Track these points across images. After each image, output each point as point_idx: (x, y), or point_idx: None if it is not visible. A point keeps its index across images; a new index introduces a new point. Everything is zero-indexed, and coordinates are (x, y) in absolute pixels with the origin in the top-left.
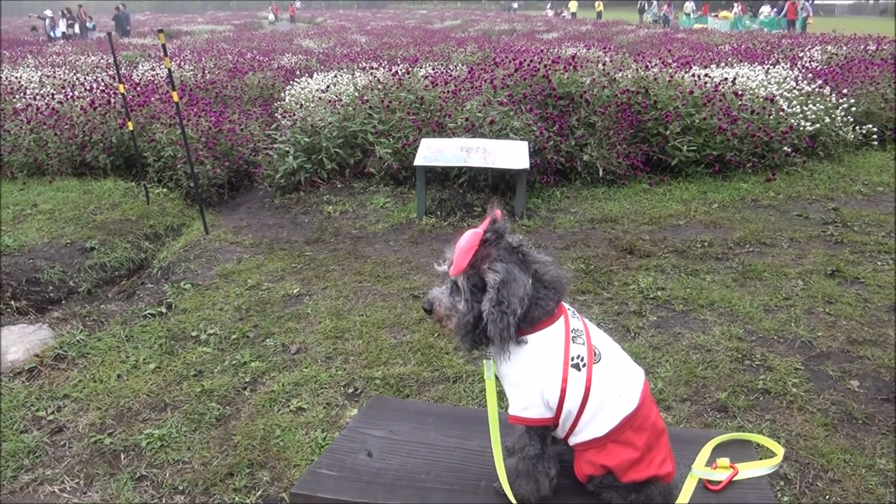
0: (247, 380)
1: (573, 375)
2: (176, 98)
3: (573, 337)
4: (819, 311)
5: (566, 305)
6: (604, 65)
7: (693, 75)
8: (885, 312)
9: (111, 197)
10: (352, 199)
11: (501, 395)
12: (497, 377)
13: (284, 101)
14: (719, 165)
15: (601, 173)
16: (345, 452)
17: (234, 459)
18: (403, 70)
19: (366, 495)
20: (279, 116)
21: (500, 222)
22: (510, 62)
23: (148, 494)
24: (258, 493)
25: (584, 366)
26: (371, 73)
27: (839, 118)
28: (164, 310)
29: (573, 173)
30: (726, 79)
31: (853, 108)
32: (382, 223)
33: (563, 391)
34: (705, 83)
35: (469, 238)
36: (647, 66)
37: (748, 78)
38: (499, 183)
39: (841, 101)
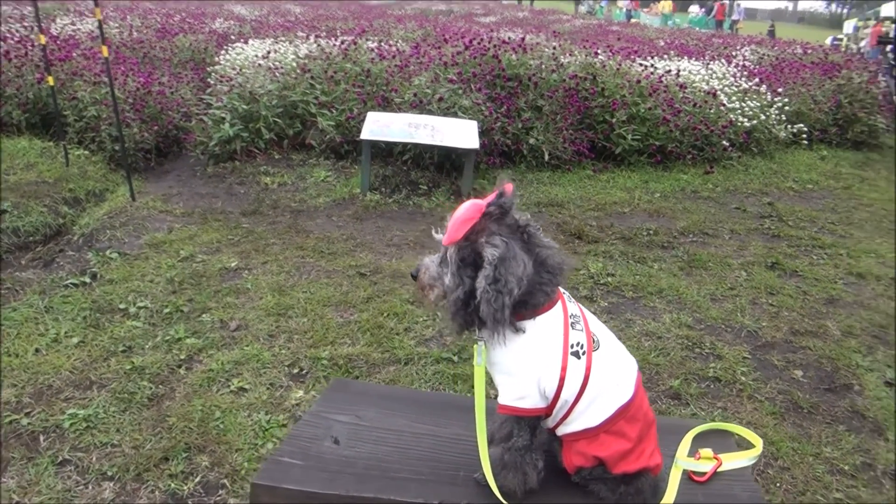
0: (182, 357)
1: (573, 364)
2: (105, 53)
3: (572, 323)
4: (762, 301)
5: (562, 290)
6: (554, 48)
7: (641, 65)
8: (823, 305)
9: (26, 157)
10: (291, 171)
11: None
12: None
13: (218, 66)
14: (661, 156)
15: (547, 157)
16: (309, 439)
17: (170, 443)
18: (350, 41)
19: (335, 486)
20: (212, 82)
21: (507, 197)
22: (458, 40)
23: (72, 480)
24: (196, 479)
25: (583, 353)
26: (315, 43)
27: (773, 116)
28: (87, 279)
29: (518, 156)
30: (669, 71)
31: (786, 108)
32: (324, 197)
33: (562, 380)
34: (651, 73)
35: (468, 209)
36: (595, 53)
37: (690, 72)
38: (444, 162)
39: (775, 99)
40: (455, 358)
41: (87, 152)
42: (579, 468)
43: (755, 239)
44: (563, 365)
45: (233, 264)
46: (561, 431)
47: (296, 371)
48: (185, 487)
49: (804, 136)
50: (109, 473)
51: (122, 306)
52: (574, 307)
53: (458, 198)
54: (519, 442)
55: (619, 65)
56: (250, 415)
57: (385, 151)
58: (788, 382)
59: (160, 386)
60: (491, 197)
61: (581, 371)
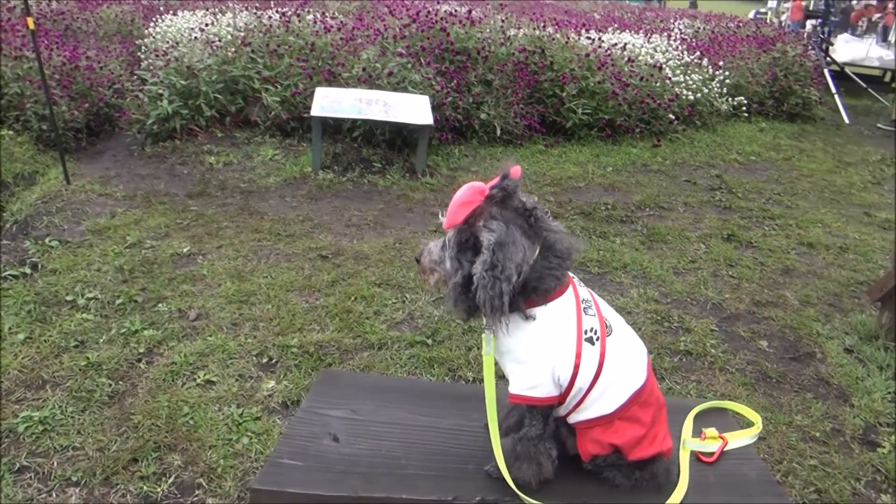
0: (140, 350)
1: (587, 350)
2: (31, 25)
3: (584, 308)
4: (723, 273)
5: (571, 275)
6: (503, 21)
7: (588, 38)
8: (780, 275)
9: None
10: (235, 149)
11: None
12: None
13: (148, 39)
14: (610, 130)
15: (499, 132)
16: (306, 438)
17: (137, 443)
18: (292, 13)
19: (343, 488)
20: (143, 56)
21: (510, 180)
22: (404, 12)
23: (34, 489)
24: (170, 480)
25: (597, 339)
26: (254, 14)
27: (715, 90)
28: (28, 270)
29: (470, 131)
30: (616, 44)
31: (727, 81)
32: (274, 177)
33: (577, 367)
34: (598, 47)
35: (467, 191)
36: (543, 26)
37: (634, 45)
38: (396, 138)
39: (716, 73)
40: (429, 341)
41: (11, 132)
42: (595, 456)
43: (708, 211)
44: (577, 352)
45: (185, 249)
46: (573, 419)
47: (265, 361)
48: (159, 489)
49: (744, 108)
50: (74, 479)
51: (69, 298)
52: (585, 292)
53: (412, 175)
54: (532, 431)
55: (567, 38)
56: (221, 409)
57: (333, 128)
58: (755, 353)
59: (120, 382)
60: (495, 180)
61: (595, 357)
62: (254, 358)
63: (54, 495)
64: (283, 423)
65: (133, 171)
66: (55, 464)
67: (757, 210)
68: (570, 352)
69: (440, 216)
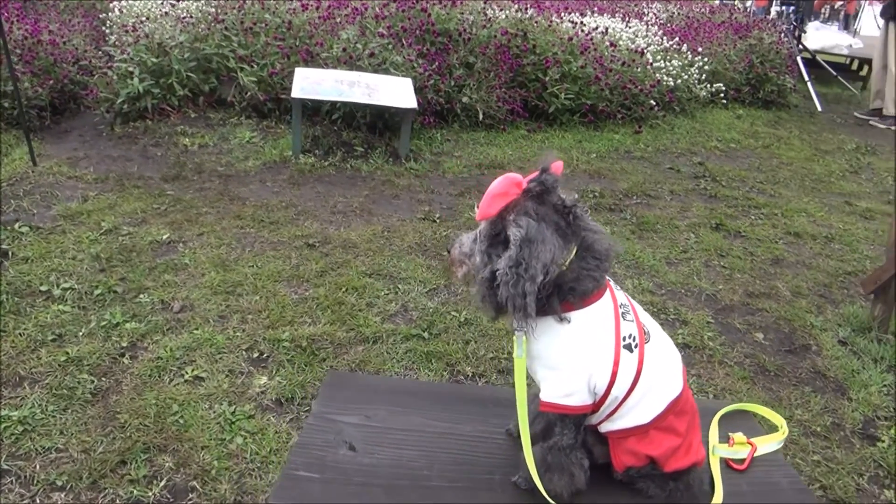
0: (123, 345)
1: (625, 357)
2: None
3: (622, 313)
4: (715, 264)
5: (608, 278)
6: (484, 2)
7: (571, 22)
8: (770, 265)
9: None
10: (210, 130)
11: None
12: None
13: (113, 13)
14: (592, 115)
15: (481, 117)
16: (320, 447)
17: (125, 444)
18: None
19: (365, 501)
20: (108, 31)
21: (550, 174)
22: None
23: (15, 494)
24: (161, 483)
25: (636, 346)
26: None
27: (694, 76)
28: None
29: (452, 115)
30: (597, 28)
31: (706, 67)
32: (253, 160)
33: (614, 375)
34: (580, 31)
35: (503, 183)
36: (526, 8)
37: (616, 29)
38: (377, 121)
39: (695, 59)
40: (425, 334)
41: None
42: (629, 467)
43: (695, 200)
44: (615, 359)
45: (164, 237)
46: (605, 428)
47: (255, 355)
48: (150, 493)
49: (722, 95)
50: (59, 483)
51: (43, 288)
52: (622, 296)
53: (395, 160)
54: (563, 441)
55: (550, 21)
56: (211, 406)
57: (312, 110)
58: (752, 346)
59: (103, 378)
60: (533, 173)
61: (633, 365)
62: (244, 352)
63: (38, 501)
64: (279, 420)
65: (103, 152)
66: (38, 467)
67: (742, 199)
68: (608, 359)
69: (475, 207)
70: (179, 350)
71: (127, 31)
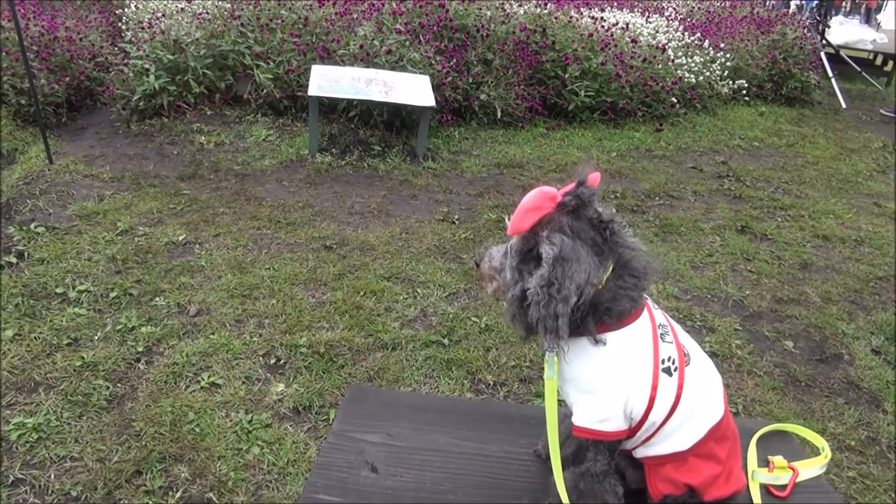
0: (139, 349)
1: (664, 381)
2: None
3: (661, 334)
4: (741, 268)
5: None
6: None
7: (591, 18)
8: (798, 270)
9: None
10: (226, 128)
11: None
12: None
13: (129, 9)
14: (612, 113)
15: (499, 114)
16: (341, 468)
17: (141, 453)
18: None
19: None
20: (124, 27)
21: (587, 188)
22: None
23: None
24: (178, 495)
25: (675, 369)
26: None
27: (716, 72)
28: (13, 259)
29: (469, 113)
30: (617, 23)
31: (728, 64)
32: (269, 159)
33: (652, 400)
34: (600, 27)
35: (536, 196)
36: (545, 4)
37: (636, 25)
38: (394, 119)
39: (717, 55)
40: (445, 341)
41: None
42: (666, 495)
43: (719, 200)
44: (653, 383)
45: (180, 238)
46: (641, 454)
47: (272, 361)
48: None
49: (744, 92)
50: (74, 493)
51: (59, 290)
52: (660, 316)
53: (413, 159)
54: (596, 467)
55: (570, 17)
56: (228, 414)
57: (328, 108)
58: (782, 354)
59: (118, 384)
60: (569, 186)
61: (673, 390)
62: (260, 358)
63: None
64: (296, 430)
65: (119, 150)
66: (52, 476)
67: (767, 199)
68: (646, 383)
69: (506, 220)
70: (195, 355)
71: (143, 28)
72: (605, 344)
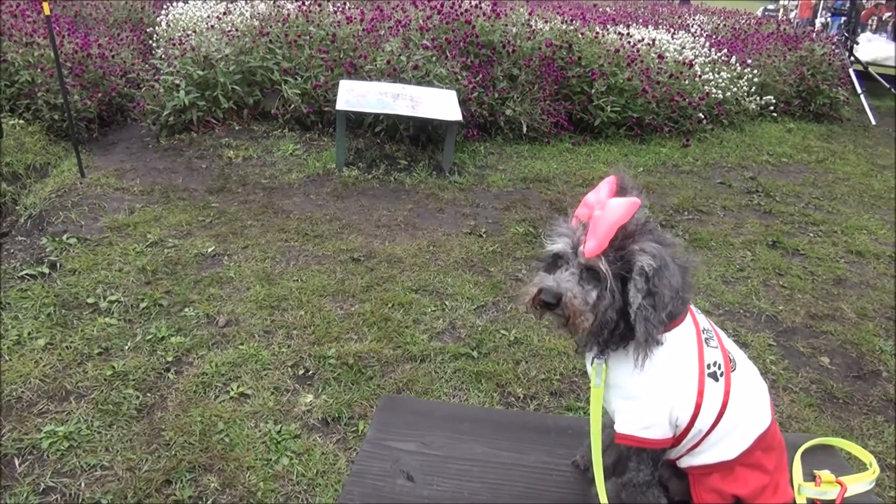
0: (168, 359)
1: (710, 387)
2: (47, 10)
3: (706, 339)
4: (773, 283)
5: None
6: (529, 14)
7: (619, 34)
8: (832, 286)
9: None
10: (254, 143)
11: None
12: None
13: (160, 27)
14: (639, 129)
15: (525, 130)
16: (377, 476)
17: (170, 462)
18: (311, 1)
19: None
20: (155, 45)
21: (632, 188)
22: (427, 3)
23: None
24: None
25: (721, 375)
26: (272, 2)
27: (743, 88)
28: (46, 270)
29: (495, 128)
30: (643, 39)
31: (755, 80)
32: (296, 173)
33: (698, 407)
34: (626, 43)
35: (621, 207)
36: (571, 20)
37: (662, 41)
38: (420, 134)
39: (745, 71)
40: (474, 353)
41: (21, 121)
42: None
43: (749, 216)
44: (699, 389)
45: (209, 249)
46: (685, 463)
47: (301, 372)
48: None
49: (772, 108)
50: (104, 502)
51: (90, 300)
52: (704, 320)
53: (439, 173)
54: (639, 477)
55: (596, 33)
56: (257, 425)
57: (355, 123)
58: (818, 371)
59: (148, 394)
60: (612, 187)
61: (719, 396)
62: (289, 369)
63: None
64: (325, 441)
65: (149, 164)
66: (83, 485)
67: (798, 215)
68: (692, 389)
69: (550, 243)
70: (225, 366)
71: (174, 45)
72: (661, 345)
